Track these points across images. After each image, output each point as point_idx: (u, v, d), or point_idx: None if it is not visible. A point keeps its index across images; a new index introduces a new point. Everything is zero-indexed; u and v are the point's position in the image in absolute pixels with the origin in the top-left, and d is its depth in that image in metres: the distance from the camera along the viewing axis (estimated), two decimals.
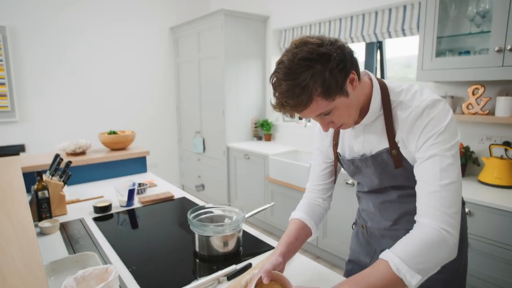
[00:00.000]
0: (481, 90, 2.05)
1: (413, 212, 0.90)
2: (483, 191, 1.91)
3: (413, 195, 0.89)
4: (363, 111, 0.90)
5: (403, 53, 2.95)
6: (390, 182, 0.94)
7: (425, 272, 0.71)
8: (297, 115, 0.83)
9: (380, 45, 2.94)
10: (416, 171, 0.83)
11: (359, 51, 3.07)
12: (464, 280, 1.02)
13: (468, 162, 2.18)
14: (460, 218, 0.76)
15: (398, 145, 0.87)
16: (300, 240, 1.01)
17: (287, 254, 0.95)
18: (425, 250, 0.70)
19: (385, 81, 0.93)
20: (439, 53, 2.12)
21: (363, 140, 0.94)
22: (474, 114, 2.08)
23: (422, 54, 2.14)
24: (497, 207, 1.70)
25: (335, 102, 0.79)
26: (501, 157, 2.04)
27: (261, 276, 0.82)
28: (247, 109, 3.86)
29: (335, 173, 1.10)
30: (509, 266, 1.69)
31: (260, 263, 1.07)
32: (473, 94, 2.09)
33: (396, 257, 0.71)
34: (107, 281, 0.77)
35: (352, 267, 1.19)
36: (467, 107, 2.12)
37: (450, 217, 0.73)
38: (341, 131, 1.02)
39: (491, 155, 2.10)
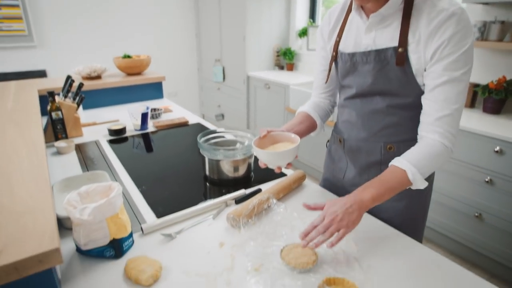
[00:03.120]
0: None
1: (395, 125, 0.93)
2: None
3: (401, 107, 0.91)
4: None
5: None
6: (383, 84, 0.90)
7: (427, 176, 0.83)
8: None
9: None
10: (433, 89, 0.82)
11: None
12: (427, 209, 1.07)
13: (509, 98, 1.97)
14: None
15: (411, 41, 0.82)
16: (305, 125, 1.05)
17: (290, 131, 1.00)
18: (433, 161, 0.82)
19: None
20: None
21: (375, 36, 0.88)
22: None
23: None
24: None
25: None
26: None
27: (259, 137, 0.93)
28: (270, 36, 3.61)
29: (328, 71, 1.04)
30: None
31: (270, 188, 1.04)
32: None
33: (414, 167, 0.80)
34: (109, 197, 0.75)
35: (325, 185, 1.20)
36: None
37: (454, 136, 0.83)
38: (348, 24, 0.95)
39: None
